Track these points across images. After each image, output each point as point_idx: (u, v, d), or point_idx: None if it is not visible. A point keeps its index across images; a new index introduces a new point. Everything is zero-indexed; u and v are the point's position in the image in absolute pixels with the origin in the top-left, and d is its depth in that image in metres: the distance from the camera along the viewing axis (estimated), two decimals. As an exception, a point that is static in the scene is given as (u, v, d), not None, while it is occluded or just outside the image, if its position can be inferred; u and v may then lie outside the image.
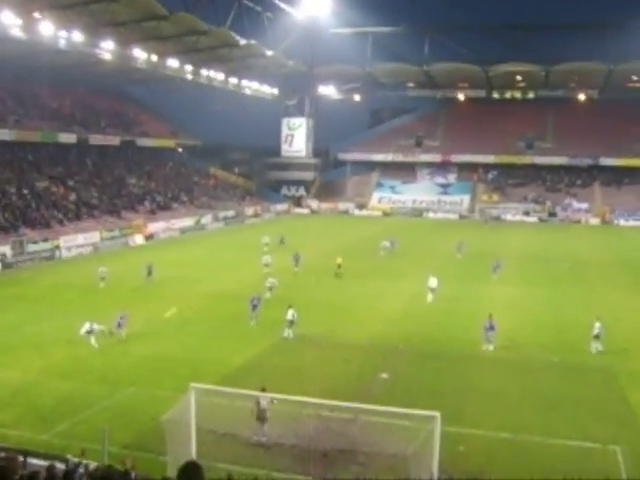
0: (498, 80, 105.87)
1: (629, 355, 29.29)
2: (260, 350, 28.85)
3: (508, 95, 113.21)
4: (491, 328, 29.45)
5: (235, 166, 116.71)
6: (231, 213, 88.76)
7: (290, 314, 30.53)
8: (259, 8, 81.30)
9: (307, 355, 26.16)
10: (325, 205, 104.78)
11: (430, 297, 39.07)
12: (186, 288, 42.58)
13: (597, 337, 29.60)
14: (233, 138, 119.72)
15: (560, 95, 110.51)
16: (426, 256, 57.17)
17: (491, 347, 29.53)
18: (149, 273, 43.75)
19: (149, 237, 68.53)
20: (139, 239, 66.84)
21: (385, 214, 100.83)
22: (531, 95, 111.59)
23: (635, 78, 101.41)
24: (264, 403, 19.45)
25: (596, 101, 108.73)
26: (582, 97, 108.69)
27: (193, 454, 17.20)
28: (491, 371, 26.78)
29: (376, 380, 25.18)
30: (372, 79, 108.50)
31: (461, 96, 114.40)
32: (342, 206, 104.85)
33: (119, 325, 29.82)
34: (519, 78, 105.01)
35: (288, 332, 30.60)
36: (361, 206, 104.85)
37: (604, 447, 19.47)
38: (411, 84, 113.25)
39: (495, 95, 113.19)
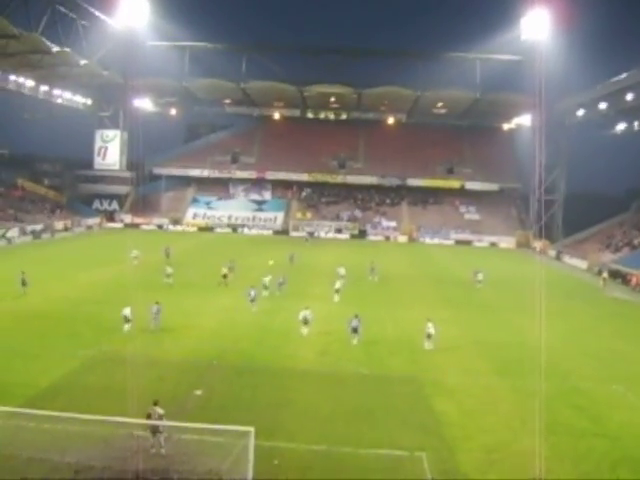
0: (312, 100, 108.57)
1: (434, 365, 30.79)
2: (69, 369, 27.60)
3: (322, 115, 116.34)
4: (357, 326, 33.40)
5: (45, 178, 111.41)
6: (40, 227, 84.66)
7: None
8: (74, 15, 78.24)
9: (119, 374, 25.33)
10: (139, 220, 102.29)
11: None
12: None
13: (429, 336, 33.11)
14: (43, 149, 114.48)
15: (371, 117, 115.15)
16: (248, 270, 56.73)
17: (355, 341, 33.54)
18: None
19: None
20: None
21: (200, 230, 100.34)
22: (344, 116, 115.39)
23: (440, 104, 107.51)
24: (155, 415, 19.28)
25: (404, 124, 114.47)
26: (391, 120, 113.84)
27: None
28: (304, 385, 27.18)
29: (190, 397, 24.91)
30: (189, 94, 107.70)
31: (277, 114, 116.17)
32: (156, 221, 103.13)
33: None
34: (332, 99, 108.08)
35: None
36: (175, 221, 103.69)
37: (411, 454, 20.33)
38: (228, 100, 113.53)
39: (310, 115, 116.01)
